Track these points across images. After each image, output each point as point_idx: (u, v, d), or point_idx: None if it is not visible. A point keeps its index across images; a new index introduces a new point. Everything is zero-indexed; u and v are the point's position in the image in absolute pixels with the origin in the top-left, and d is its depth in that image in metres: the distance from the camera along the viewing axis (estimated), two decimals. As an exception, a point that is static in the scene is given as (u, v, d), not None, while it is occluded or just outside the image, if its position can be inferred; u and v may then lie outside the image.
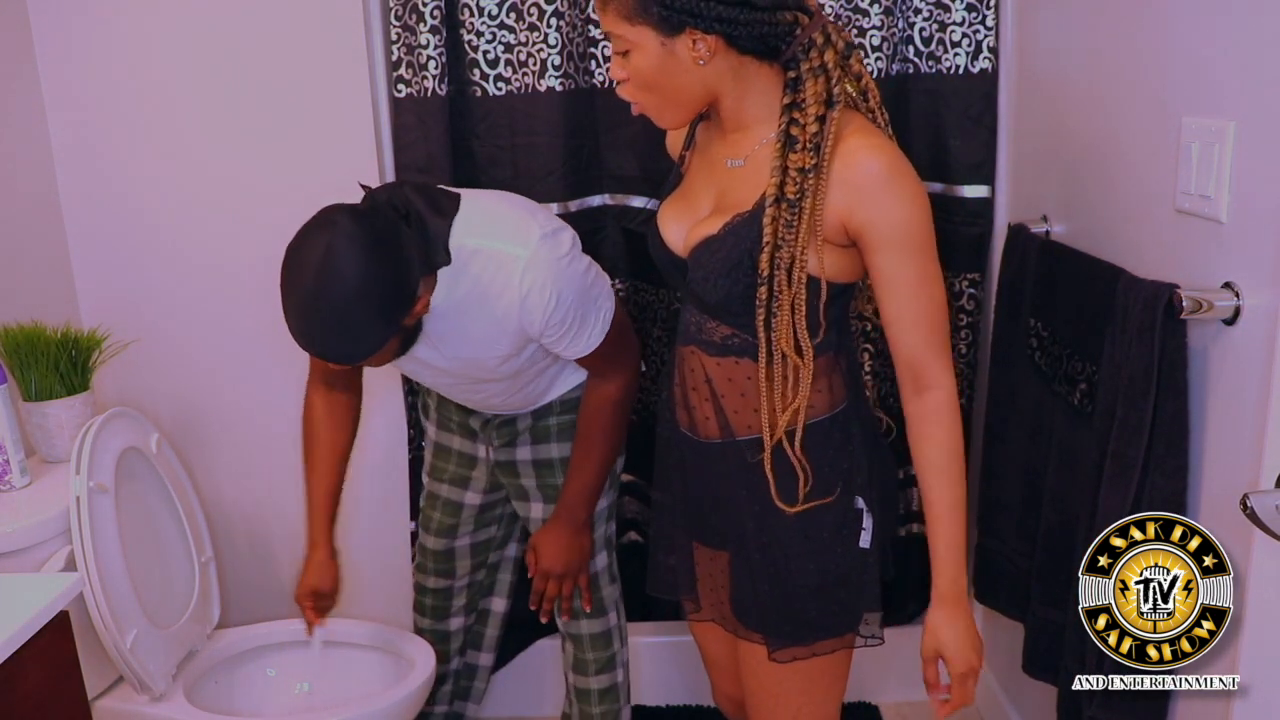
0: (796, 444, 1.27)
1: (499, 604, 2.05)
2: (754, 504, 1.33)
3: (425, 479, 1.96)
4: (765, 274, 1.21)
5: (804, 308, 1.22)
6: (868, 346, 2.09)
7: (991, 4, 1.91)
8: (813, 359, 1.24)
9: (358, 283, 1.29)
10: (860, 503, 1.32)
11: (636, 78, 1.23)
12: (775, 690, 1.40)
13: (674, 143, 1.46)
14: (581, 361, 1.63)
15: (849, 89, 1.25)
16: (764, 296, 1.22)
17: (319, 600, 1.81)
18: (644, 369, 1.88)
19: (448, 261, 1.43)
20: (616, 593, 1.90)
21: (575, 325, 1.54)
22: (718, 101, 1.26)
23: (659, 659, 2.28)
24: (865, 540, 1.33)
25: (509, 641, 2.17)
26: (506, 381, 1.67)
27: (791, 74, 1.21)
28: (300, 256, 1.32)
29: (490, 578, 2.02)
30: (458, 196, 1.51)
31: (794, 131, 1.20)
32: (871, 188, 1.19)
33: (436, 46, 1.93)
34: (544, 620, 1.83)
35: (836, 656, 1.37)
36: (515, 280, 1.46)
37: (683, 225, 1.32)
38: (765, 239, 1.20)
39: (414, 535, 2.14)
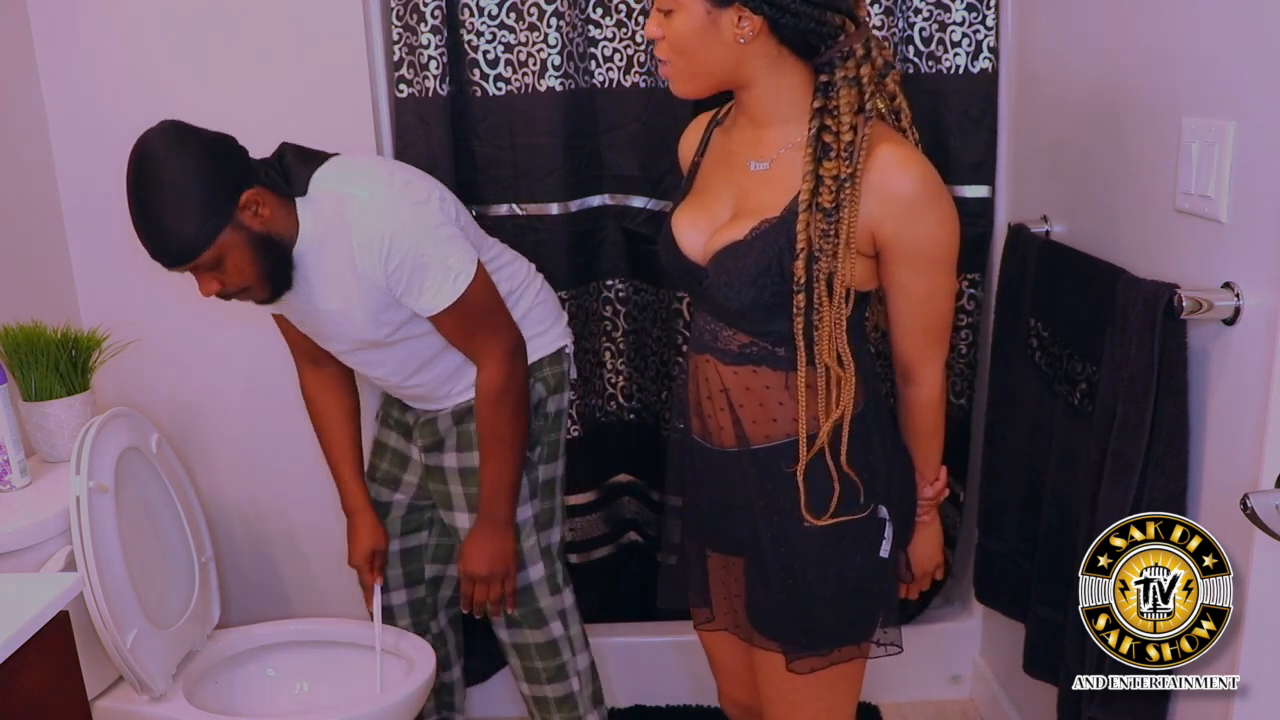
0: (843, 455, 1.26)
1: (444, 618, 2.01)
2: (772, 514, 1.32)
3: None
4: (801, 281, 1.19)
5: (845, 320, 1.22)
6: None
7: (991, 4, 1.91)
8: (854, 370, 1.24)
9: (166, 156, 1.42)
10: (883, 512, 1.32)
11: (674, 40, 1.21)
12: (792, 698, 1.39)
13: (685, 148, 1.43)
14: (444, 332, 1.63)
15: (880, 105, 1.24)
16: (801, 304, 1.20)
17: (375, 559, 1.85)
18: (606, 359, 1.83)
19: (300, 192, 1.54)
20: (561, 604, 1.85)
21: (417, 276, 1.54)
22: (747, 89, 1.24)
23: (659, 659, 2.28)
24: (885, 550, 1.32)
25: (491, 653, 2.12)
26: (396, 350, 1.66)
27: (824, 78, 1.19)
28: (127, 166, 1.45)
29: (431, 596, 1.97)
30: (332, 155, 1.60)
31: (827, 138, 1.18)
32: (906, 202, 1.19)
33: (437, 46, 1.93)
34: (478, 616, 1.81)
35: (852, 663, 1.38)
36: (351, 218, 1.51)
37: (701, 231, 1.29)
38: (799, 245, 1.19)
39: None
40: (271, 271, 1.54)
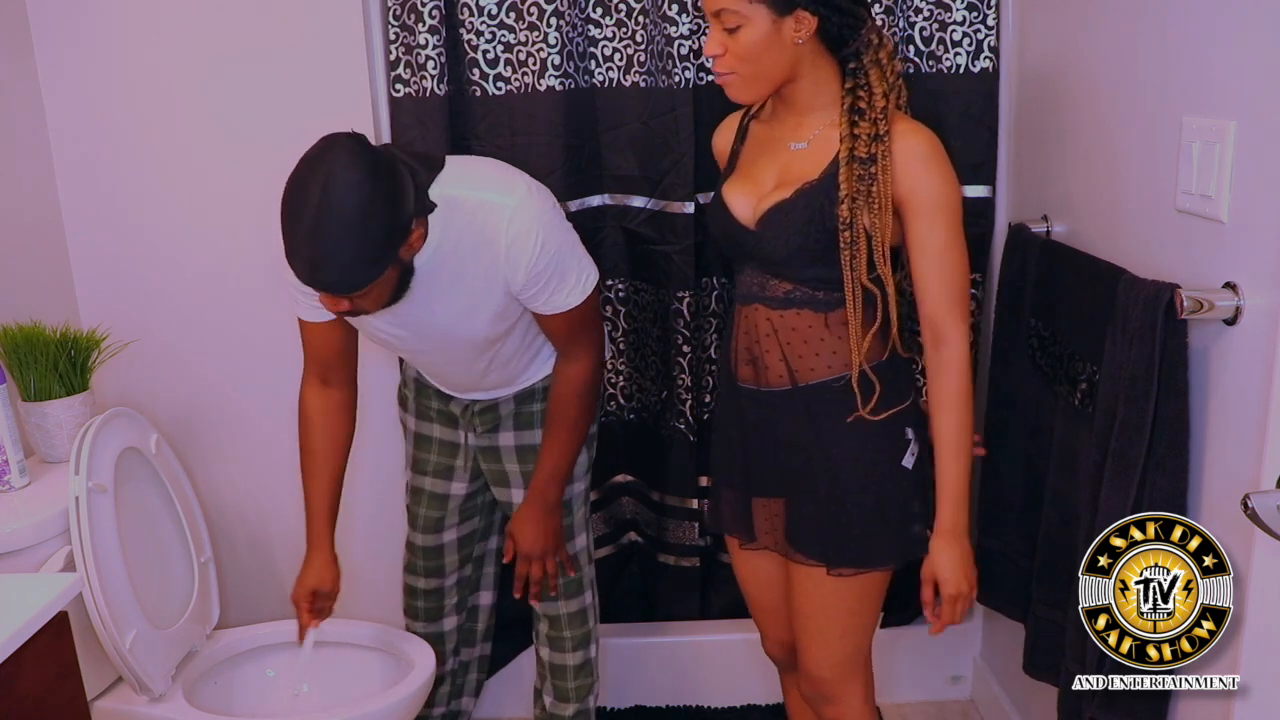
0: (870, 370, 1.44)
1: (486, 597, 2.07)
2: (819, 443, 1.49)
3: (408, 474, 1.96)
4: (846, 220, 1.38)
5: (885, 248, 1.39)
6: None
7: (992, 3, 1.91)
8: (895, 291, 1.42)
9: (359, 198, 1.32)
10: (909, 433, 1.48)
11: (742, 51, 1.37)
12: (827, 610, 1.54)
13: (721, 141, 1.64)
14: (553, 328, 1.67)
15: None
16: (848, 240, 1.39)
17: (316, 601, 1.81)
18: (608, 359, 1.93)
19: (432, 208, 1.46)
20: (592, 573, 1.95)
21: (557, 278, 1.58)
22: (793, 83, 1.42)
23: (659, 659, 2.28)
24: (909, 461, 1.48)
25: (502, 646, 2.18)
26: (486, 353, 1.68)
27: (852, 65, 1.41)
28: (304, 181, 1.34)
29: (476, 572, 2.04)
30: (444, 156, 1.57)
31: (860, 104, 1.39)
32: (919, 160, 1.38)
33: (435, 46, 1.92)
34: (531, 602, 1.87)
35: (882, 575, 1.53)
36: (503, 227, 1.51)
37: (750, 199, 1.48)
38: (843, 192, 1.38)
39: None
40: (400, 293, 1.48)
